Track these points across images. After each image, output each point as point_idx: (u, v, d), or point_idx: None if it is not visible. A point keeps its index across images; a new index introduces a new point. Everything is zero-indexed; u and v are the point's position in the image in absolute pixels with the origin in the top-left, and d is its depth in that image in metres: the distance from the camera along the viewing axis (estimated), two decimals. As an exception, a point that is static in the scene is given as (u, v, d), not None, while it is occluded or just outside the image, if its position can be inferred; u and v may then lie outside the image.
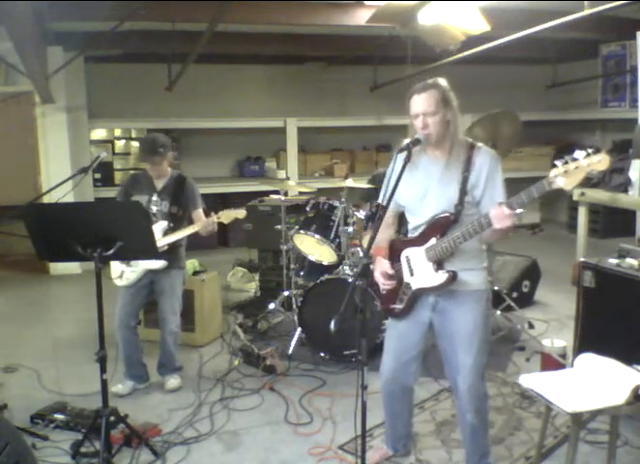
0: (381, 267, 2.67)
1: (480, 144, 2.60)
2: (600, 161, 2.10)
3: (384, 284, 2.66)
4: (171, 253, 3.75)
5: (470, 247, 2.55)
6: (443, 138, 2.54)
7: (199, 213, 3.87)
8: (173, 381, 3.92)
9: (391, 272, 2.65)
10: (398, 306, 2.72)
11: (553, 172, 2.16)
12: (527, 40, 5.17)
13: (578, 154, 2.12)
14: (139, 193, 3.82)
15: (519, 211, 2.31)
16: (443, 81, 2.56)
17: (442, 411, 3.51)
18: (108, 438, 2.94)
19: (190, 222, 3.89)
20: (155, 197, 3.82)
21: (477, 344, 2.61)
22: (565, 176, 2.14)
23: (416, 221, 2.67)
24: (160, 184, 3.85)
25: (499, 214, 2.30)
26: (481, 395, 2.70)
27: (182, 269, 3.95)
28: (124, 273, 3.78)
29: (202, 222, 3.75)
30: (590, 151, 2.12)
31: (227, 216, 3.79)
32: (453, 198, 2.53)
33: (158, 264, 3.72)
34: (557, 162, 2.15)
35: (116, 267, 3.82)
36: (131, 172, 3.70)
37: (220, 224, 3.83)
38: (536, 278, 5.57)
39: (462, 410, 2.73)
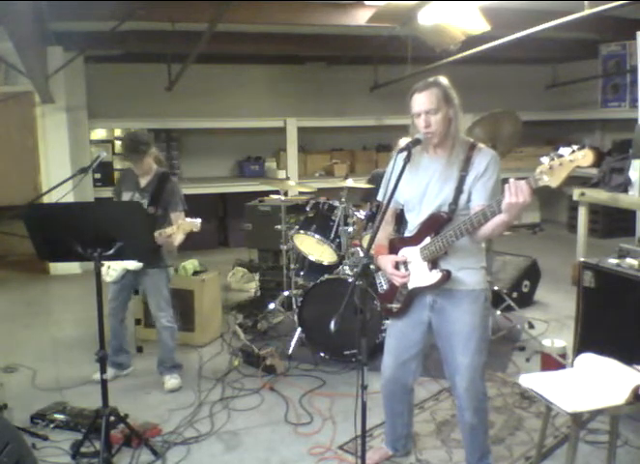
0: (389, 260, 2.65)
1: (481, 145, 2.60)
2: (584, 157, 2.09)
3: (402, 276, 2.61)
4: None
5: (467, 246, 2.56)
6: (445, 137, 2.54)
7: (177, 216, 3.74)
8: (173, 381, 3.92)
9: (400, 259, 2.64)
10: (396, 306, 2.73)
11: (539, 169, 2.15)
12: (527, 40, 5.17)
13: (563, 150, 2.11)
14: (126, 190, 3.85)
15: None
16: (444, 79, 2.56)
17: (442, 411, 3.51)
18: (108, 438, 2.94)
19: (171, 225, 3.67)
20: (137, 195, 3.81)
21: (474, 344, 2.61)
22: (549, 173, 2.13)
23: (414, 220, 2.67)
24: (144, 181, 3.84)
25: (517, 184, 2.17)
26: (480, 395, 2.70)
27: (163, 268, 3.88)
28: (110, 268, 3.87)
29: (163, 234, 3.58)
30: (575, 147, 2.11)
31: (184, 228, 3.55)
32: (449, 197, 2.53)
33: (133, 265, 3.75)
34: (542, 159, 2.14)
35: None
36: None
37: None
38: (536, 278, 5.57)
39: (461, 409, 2.73)
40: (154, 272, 3.86)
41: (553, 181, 2.14)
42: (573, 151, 2.10)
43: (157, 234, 3.55)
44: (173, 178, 3.92)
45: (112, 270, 3.85)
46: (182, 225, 3.56)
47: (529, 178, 2.20)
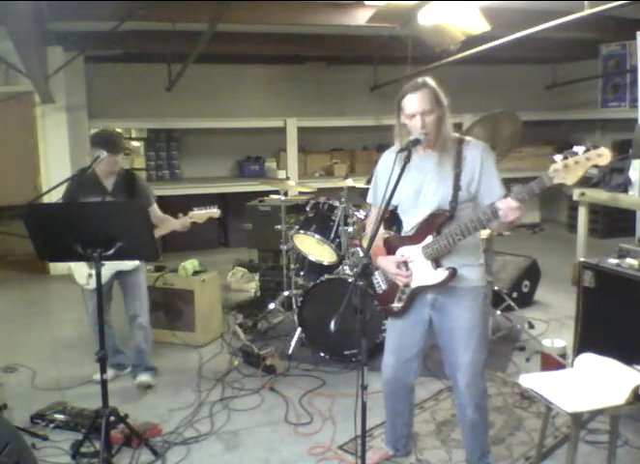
0: (390, 262, 2.64)
1: (468, 138, 2.61)
2: (601, 156, 2.10)
3: (406, 276, 2.61)
4: None
5: (467, 244, 2.56)
6: (437, 137, 2.54)
7: (155, 209, 3.80)
8: (144, 377, 3.86)
9: (402, 259, 2.63)
10: (397, 305, 2.72)
11: (552, 167, 2.17)
12: (527, 40, 5.17)
13: (577, 149, 2.13)
14: (89, 195, 3.67)
15: None
16: (431, 80, 2.57)
17: (442, 411, 3.51)
18: (108, 438, 2.93)
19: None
20: (108, 198, 3.71)
21: (475, 341, 2.62)
22: (565, 171, 2.14)
23: (410, 220, 2.67)
24: (109, 183, 3.75)
25: (506, 206, 2.29)
26: (481, 392, 2.71)
27: (140, 264, 3.86)
28: (92, 276, 3.67)
29: (179, 222, 3.73)
30: (589, 145, 2.12)
31: (199, 216, 3.74)
32: (447, 195, 2.53)
33: (130, 265, 3.69)
34: (555, 158, 2.15)
35: (82, 271, 3.77)
36: (73, 175, 3.55)
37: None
38: (536, 278, 5.56)
39: (462, 406, 2.74)
40: (138, 268, 3.81)
41: (569, 179, 2.16)
42: (588, 149, 2.11)
43: (185, 221, 3.70)
44: (137, 173, 3.93)
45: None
46: (195, 215, 3.72)
47: (542, 176, 2.21)
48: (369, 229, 2.75)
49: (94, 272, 3.66)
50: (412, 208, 2.64)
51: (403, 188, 2.61)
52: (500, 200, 2.33)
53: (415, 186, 2.60)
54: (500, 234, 2.73)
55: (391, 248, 2.71)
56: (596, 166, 2.15)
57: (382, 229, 2.82)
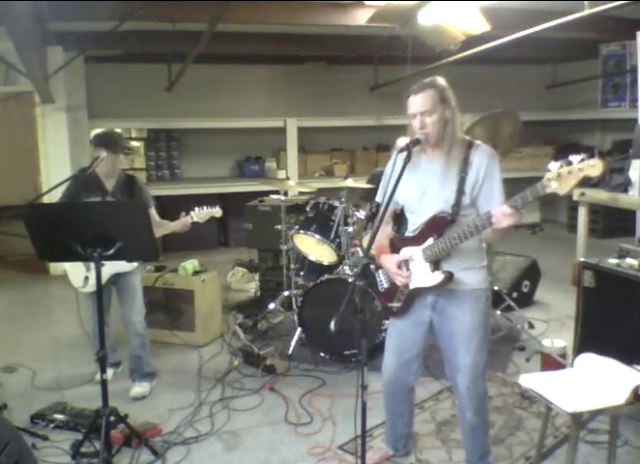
0: (393, 260, 2.65)
1: (477, 142, 2.60)
2: (594, 167, 2.11)
3: (405, 277, 2.61)
4: None
5: (469, 247, 2.56)
6: (442, 138, 2.54)
7: (152, 213, 3.74)
8: (137, 389, 3.80)
9: (405, 258, 2.63)
10: (396, 305, 2.73)
11: (547, 176, 2.18)
12: (527, 40, 5.18)
13: (573, 158, 2.13)
14: (91, 196, 3.66)
15: None
16: (441, 80, 2.56)
17: (442, 411, 3.51)
18: (108, 438, 2.93)
19: None
20: (109, 198, 3.70)
21: (476, 343, 2.62)
22: (558, 180, 2.15)
23: (415, 221, 2.67)
24: (110, 183, 3.74)
25: (499, 213, 2.30)
26: (481, 394, 2.70)
27: (137, 266, 3.85)
28: (88, 279, 3.72)
29: (180, 222, 3.71)
30: (584, 156, 2.12)
31: (201, 215, 3.72)
32: (450, 199, 2.53)
33: (128, 266, 3.67)
34: (551, 167, 2.16)
35: (78, 274, 3.75)
36: (74, 174, 3.57)
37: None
38: (536, 278, 5.57)
39: (462, 408, 2.73)
40: (133, 270, 3.78)
41: (561, 189, 2.16)
42: (582, 159, 2.11)
43: (187, 222, 3.68)
44: (137, 176, 3.95)
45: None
46: (197, 215, 3.69)
47: (536, 184, 2.22)
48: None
49: (90, 274, 3.67)
50: (416, 209, 2.65)
51: (409, 189, 2.61)
52: (495, 208, 2.35)
53: (420, 188, 2.61)
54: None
55: (394, 248, 2.71)
56: (588, 177, 2.15)
57: (389, 228, 2.82)
